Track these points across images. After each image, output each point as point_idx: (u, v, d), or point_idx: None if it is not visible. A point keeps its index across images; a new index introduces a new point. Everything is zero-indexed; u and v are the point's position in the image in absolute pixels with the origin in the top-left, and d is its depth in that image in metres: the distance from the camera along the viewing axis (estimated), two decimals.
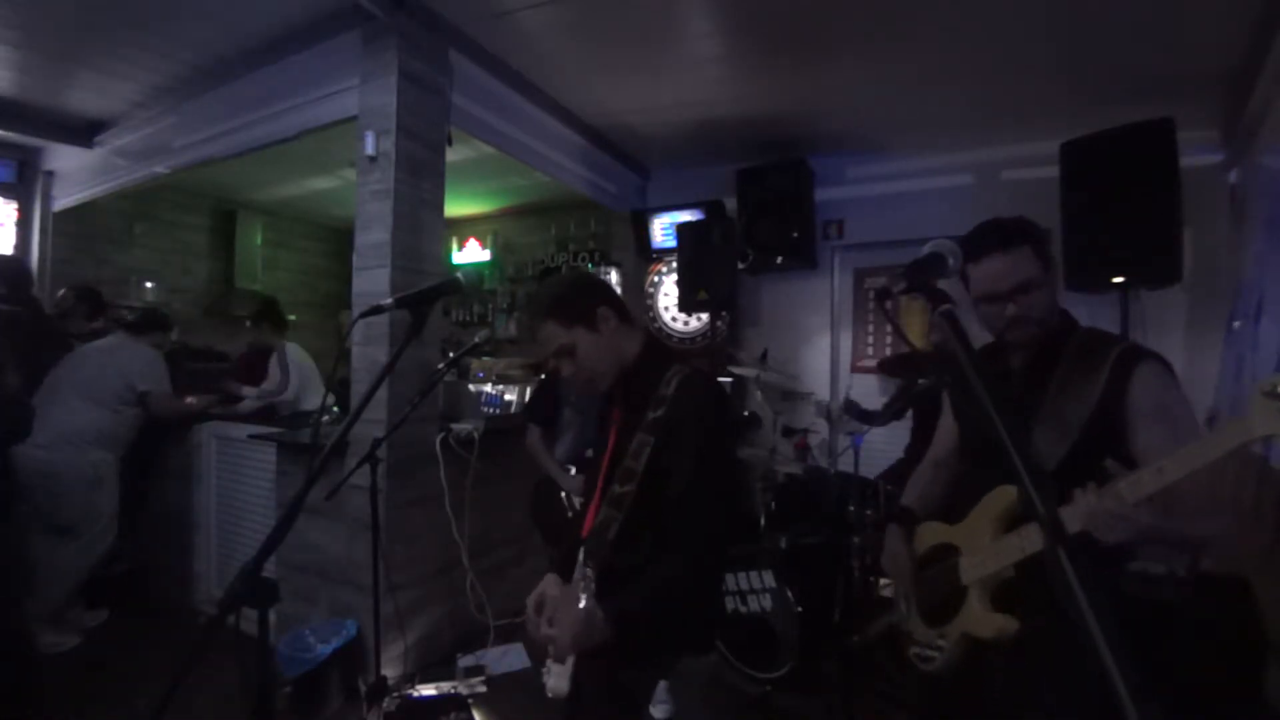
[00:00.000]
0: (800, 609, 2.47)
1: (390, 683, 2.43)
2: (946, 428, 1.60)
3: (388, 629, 2.40)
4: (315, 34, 2.84)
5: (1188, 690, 1.75)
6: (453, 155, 2.96)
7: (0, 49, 3.06)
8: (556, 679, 1.21)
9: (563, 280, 1.45)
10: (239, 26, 2.87)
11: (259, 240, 6.05)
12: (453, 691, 2.49)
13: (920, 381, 2.83)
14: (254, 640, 0.97)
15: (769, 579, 2.58)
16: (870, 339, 4.18)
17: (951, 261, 1.01)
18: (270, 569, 2.74)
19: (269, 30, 2.88)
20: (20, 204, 4.52)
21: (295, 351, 4.05)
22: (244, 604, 0.87)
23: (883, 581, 2.72)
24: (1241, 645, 1.80)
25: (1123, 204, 2.75)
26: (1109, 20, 2.59)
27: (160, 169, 3.74)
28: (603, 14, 2.69)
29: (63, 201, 4.51)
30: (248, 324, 4.25)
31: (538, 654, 1.29)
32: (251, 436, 3.03)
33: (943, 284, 0.95)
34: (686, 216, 4.30)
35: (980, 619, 1.25)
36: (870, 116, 3.66)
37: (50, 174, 4.53)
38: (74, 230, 4.70)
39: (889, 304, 1.11)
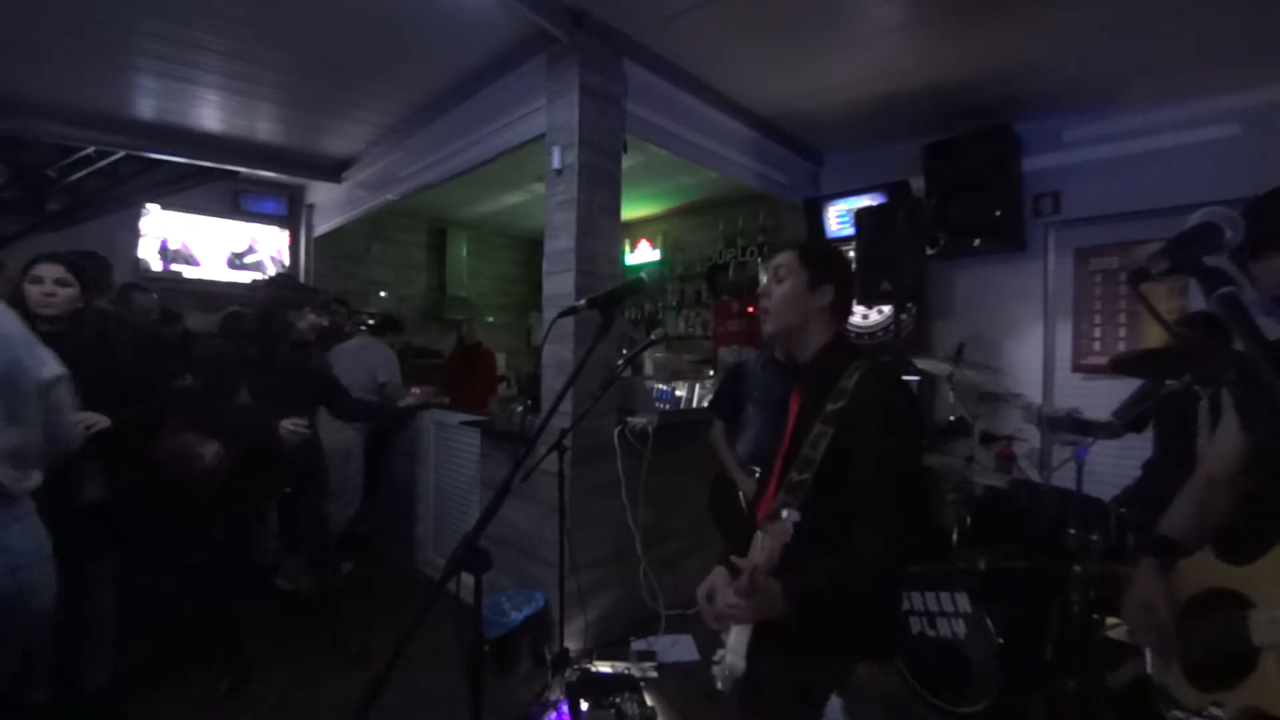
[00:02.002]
0: (1001, 641, 2.18)
1: (571, 655, 2.62)
2: (1228, 439, 1.26)
3: (571, 604, 2.59)
4: (508, 62, 3.14)
5: None
6: (625, 161, 3.09)
7: (271, 107, 3.84)
8: (733, 656, 1.22)
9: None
10: (449, 63, 3.27)
11: (464, 252, 6.91)
12: (627, 672, 2.61)
13: (1169, 383, 2.34)
14: (466, 603, 1.10)
15: (964, 602, 2.31)
16: (1098, 332, 3.52)
17: (1230, 234, 0.81)
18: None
19: (472, 64, 3.25)
20: (291, 232, 5.67)
21: None
22: (464, 569, 0.99)
23: (1110, 621, 2.30)
24: None
25: None
26: None
27: (391, 196, 4.42)
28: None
29: (320, 228, 5.57)
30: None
31: (709, 642, 1.30)
32: (462, 423, 3.47)
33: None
34: (865, 201, 4.00)
35: (1278, 694, 0.99)
36: (1093, 65, 3.06)
37: (311, 206, 5.63)
38: (328, 251, 5.78)
39: (1140, 290, 0.89)
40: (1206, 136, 3.16)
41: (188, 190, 5.02)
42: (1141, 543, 1.32)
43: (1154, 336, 3.19)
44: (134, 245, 4.88)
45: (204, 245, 5.26)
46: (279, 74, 3.39)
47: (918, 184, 3.80)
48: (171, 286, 4.89)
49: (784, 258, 1.36)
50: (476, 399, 3.99)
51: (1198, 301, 2.80)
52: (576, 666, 2.59)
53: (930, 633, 2.39)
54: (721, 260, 5.99)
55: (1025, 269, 3.73)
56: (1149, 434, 2.71)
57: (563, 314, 1.23)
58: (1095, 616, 2.29)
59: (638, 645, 2.82)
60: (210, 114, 3.90)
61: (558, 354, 2.86)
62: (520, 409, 2.99)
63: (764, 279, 1.41)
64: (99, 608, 2.32)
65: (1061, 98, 3.41)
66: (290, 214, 5.67)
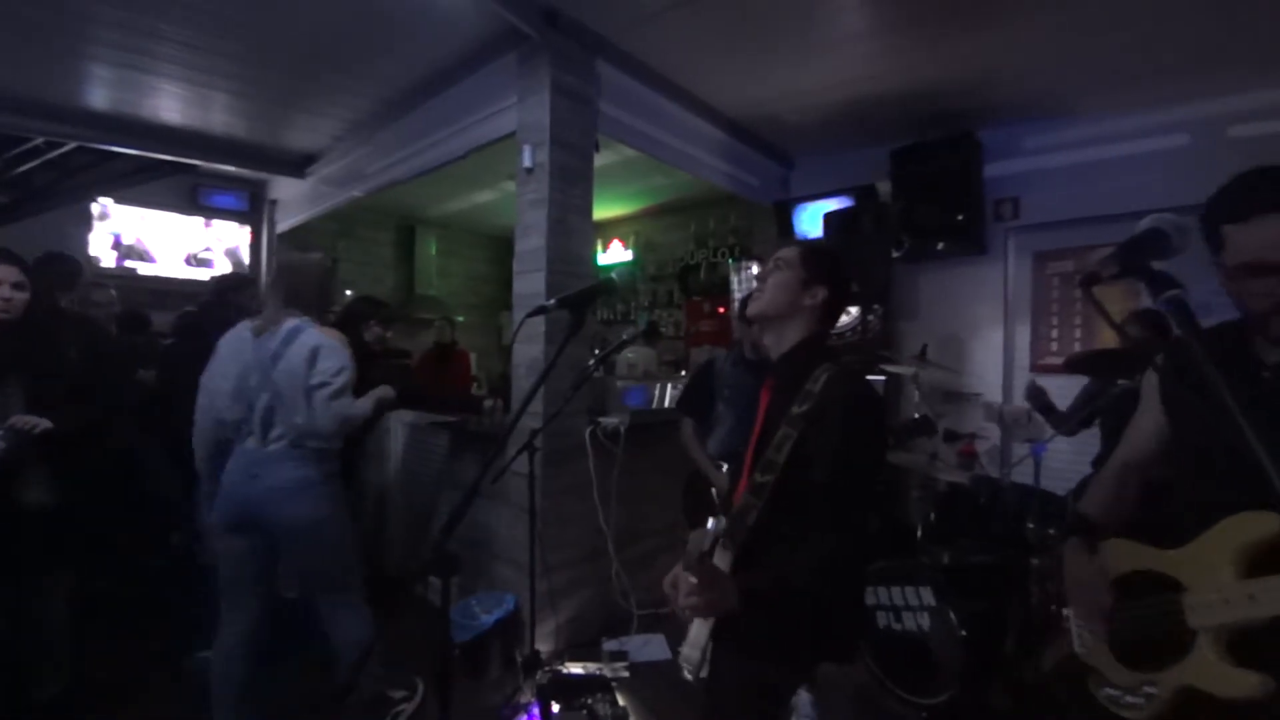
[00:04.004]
0: (964, 633, 2.24)
1: (543, 657, 2.60)
2: (1147, 427, 1.30)
3: (542, 606, 2.57)
4: (479, 60, 3.11)
5: None
6: (598, 161, 3.08)
7: (232, 99, 3.73)
8: (689, 649, 1.24)
9: (836, 250, 1.53)
10: (418, 57, 3.22)
11: (433, 251, 6.81)
12: (598, 673, 2.60)
13: (1120, 383, 2.44)
14: (435, 606, 1.08)
15: (928, 596, 2.37)
16: (1055, 333, 3.66)
17: (1176, 239, 0.85)
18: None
19: (441, 60, 3.21)
20: (253, 228, 5.50)
21: None
22: (431, 573, 0.98)
23: (1067, 612, 2.38)
24: None
25: None
26: None
27: (357, 193, 4.33)
28: (743, 2, 2.63)
29: (284, 225, 5.42)
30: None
31: (681, 641, 1.31)
32: (432, 424, 3.41)
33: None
34: (834, 204, 4.08)
35: (1215, 674, 1.03)
36: (1052, 75, 3.18)
37: (274, 202, 5.48)
38: (293, 248, 5.61)
39: (1091, 292, 0.93)
40: (1158, 146, 3.29)
41: (143, 184, 4.83)
42: (1067, 525, 1.35)
43: (1108, 338, 3.32)
44: (85, 240, 4.69)
45: (160, 241, 5.08)
46: (240, 65, 3.29)
47: (884, 188, 3.89)
48: (125, 283, 4.70)
49: (786, 252, 1.39)
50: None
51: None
52: (548, 668, 2.57)
53: (896, 626, 2.44)
54: (693, 261, 6.03)
55: (986, 272, 3.84)
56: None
57: (532, 314, 1.22)
58: (1053, 608, 2.37)
59: (610, 645, 2.82)
60: (167, 105, 3.76)
61: (528, 354, 2.83)
62: (490, 409, 2.97)
63: (733, 278, 1.43)
64: (50, 619, 2.22)
65: (1022, 106, 3.52)
66: (252, 210, 5.52)
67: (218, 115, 3.95)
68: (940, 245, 3.71)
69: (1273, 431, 0.64)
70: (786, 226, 4.46)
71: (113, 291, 3.65)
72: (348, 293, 6.03)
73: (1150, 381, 1.29)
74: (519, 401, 2.78)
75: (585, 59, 2.94)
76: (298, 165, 4.82)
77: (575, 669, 2.64)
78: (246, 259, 5.49)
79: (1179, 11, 2.55)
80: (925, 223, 3.68)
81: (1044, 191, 3.63)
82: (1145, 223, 0.86)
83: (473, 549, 3.02)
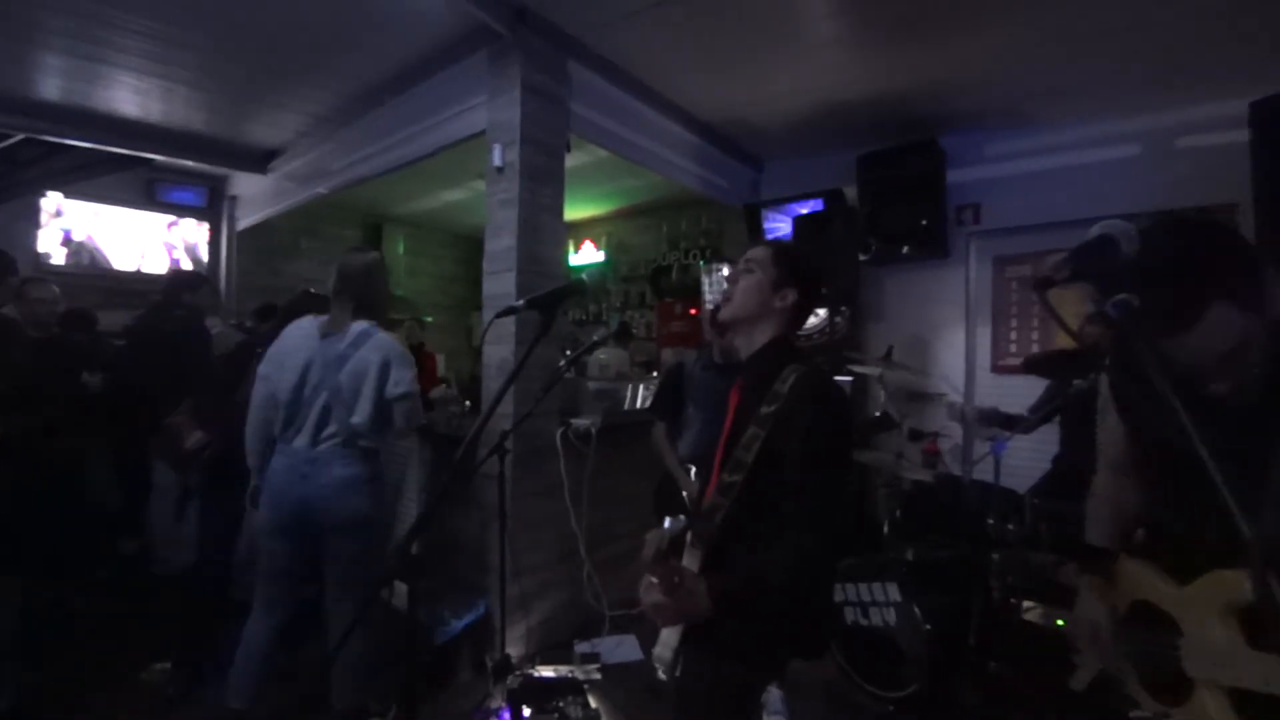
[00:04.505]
0: (929, 627, 2.30)
1: (513, 661, 2.58)
2: (1115, 428, 1.29)
3: (513, 610, 2.55)
4: (449, 57, 3.07)
5: None
6: (569, 161, 3.07)
7: (192, 91, 3.60)
8: (661, 648, 1.25)
9: (807, 251, 1.53)
10: (385, 53, 3.16)
11: (401, 249, 6.69)
12: (570, 675, 2.59)
13: (1076, 383, 2.53)
14: (401, 611, 1.06)
15: (893, 592, 2.42)
16: (1014, 335, 3.78)
17: (1125, 245, 0.88)
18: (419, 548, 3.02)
19: (409, 56, 3.16)
20: (211, 225, 5.33)
21: None
22: (397, 578, 0.96)
23: (1026, 605, 2.46)
24: None
25: None
26: None
27: (322, 189, 4.23)
28: (716, 7, 2.66)
29: (244, 221, 5.26)
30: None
31: (654, 642, 1.31)
32: None
33: None
34: (803, 208, 4.14)
35: None
36: (1013, 86, 3.28)
37: (234, 198, 5.31)
38: (253, 246, 5.47)
39: (1045, 295, 0.95)
40: (1112, 155, 3.43)
41: (96, 178, 4.63)
42: (1080, 556, 1.30)
43: (1064, 339, 3.44)
44: (33, 236, 4.47)
45: (113, 237, 4.88)
46: (200, 56, 3.19)
47: (852, 193, 3.96)
48: (76, 281, 4.50)
49: (757, 252, 1.39)
50: None
51: None
52: (519, 672, 2.55)
53: (863, 622, 2.49)
54: (665, 263, 6.06)
55: (949, 276, 3.95)
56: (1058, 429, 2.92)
57: (501, 314, 1.21)
58: (1013, 601, 2.45)
59: (581, 648, 2.81)
60: (123, 96, 3.61)
61: (498, 355, 2.81)
62: (455, 409, 2.93)
63: (705, 280, 1.44)
64: None
65: (983, 115, 3.63)
66: (211, 205, 5.33)
67: (176, 107, 3.82)
68: (905, 249, 3.80)
69: (1208, 429, 0.66)
70: (756, 229, 4.51)
71: (55, 289, 3.49)
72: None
73: (1105, 383, 1.31)
74: (490, 403, 2.75)
75: (557, 59, 2.92)
76: (260, 160, 4.68)
77: (546, 672, 2.62)
78: (205, 256, 5.31)
79: (1133, 28, 2.67)
80: (891, 227, 3.78)
81: (1004, 198, 3.75)
82: (1095, 229, 0.89)
83: (441, 553, 2.97)
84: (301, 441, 1.97)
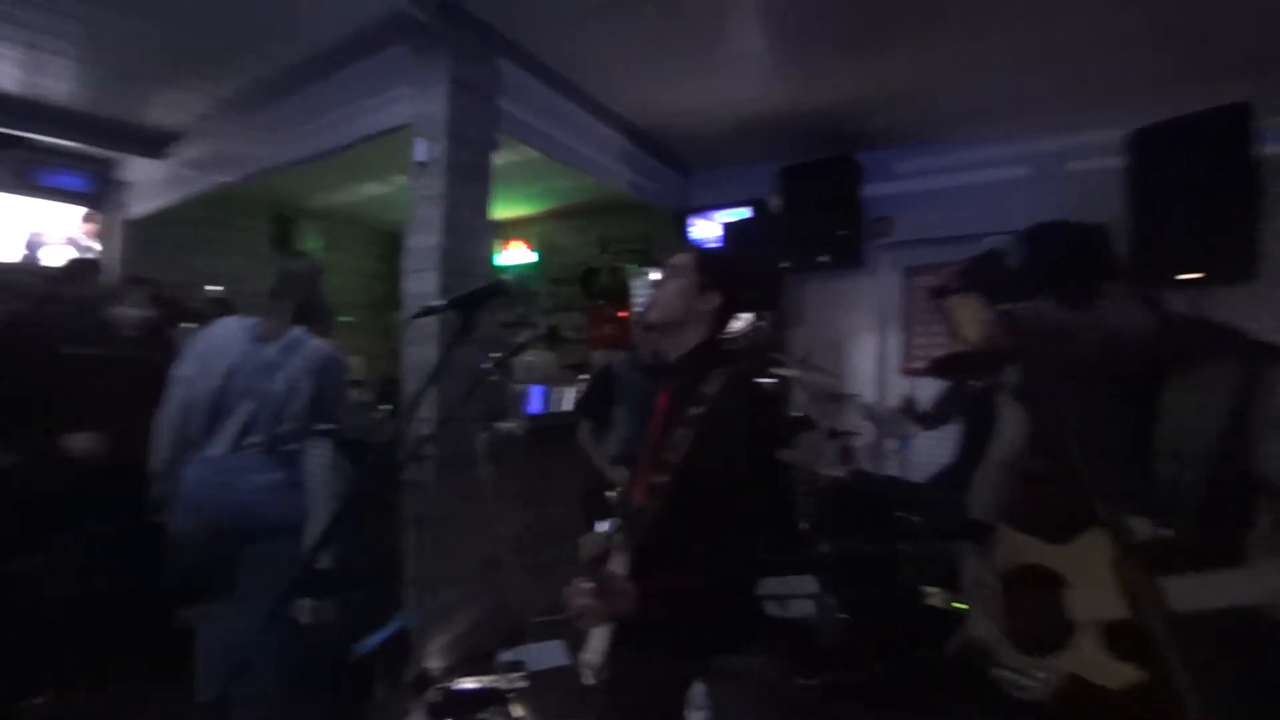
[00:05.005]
0: (844, 615, 2.42)
1: (433, 675, 2.49)
2: (1012, 426, 1.42)
3: (433, 622, 2.46)
4: (370, 45, 2.95)
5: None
6: (498, 159, 3.02)
7: (78, 65, 3.27)
8: (590, 653, 1.25)
9: (743, 260, 1.57)
10: (302, 36, 2.99)
11: (316, 245, 6.32)
12: (493, 686, 2.53)
13: (974, 385, 2.73)
14: (310, 629, 1.01)
15: (811, 584, 2.52)
16: (922, 340, 4.05)
17: (1011, 259, 0.96)
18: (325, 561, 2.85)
19: (327, 41, 3.00)
20: (99, 213, 4.84)
21: None
22: (302, 594, 0.91)
23: (930, 591, 2.63)
24: None
25: (1192, 196, 2.60)
26: None
27: (226, 178, 3.95)
28: (650, 14, 2.69)
29: (138, 210, 4.81)
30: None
31: (582, 645, 1.30)
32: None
33: None
34: (731, 215, 4.26)
35: (1096, 665, 1.12)
36: (923, 107, 3.54)
37: (125, 184, 4.85)
38: (148, 237, 5.01)
39: (943, 303, 1.05)
40: (1009, 175, 3.76)
41: None
42: (960, 529, 1.45)
43: (971, 343, 3.72)
44: None
45: None
46: (89, 26, 2.90)
47: (776, 203, 4.13)
48: None
49: (680, 258, 1.42)
50: None
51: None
52: (439, 686, 2.47)
53: (783, 614, 2.58)
54: (596, 265, 6.05)
55: (864, 284, 4.20)
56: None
57: (419, 315, 1.18)
58: (919, 588, 2.62)
59: (506, 656, 2.75)
60: None
61: (421, 357, 2.70)
62: (378, 416, 2.80)
63: (635, 284, 1.46)
64: None
65: (896, 132, 3.88)
66: (98, 192, 4.84)
67: (58, 82, 3.45)
68: (825, 259, 3.99)
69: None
70: (686, 235, 4.60)
71: None
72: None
73: (1009, 380, 1.40)
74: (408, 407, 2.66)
75: (486, 55, 2.87)
76: (156, 144, 4.31)
77: (468, 684, 2.55)
78: (97, 246, 4.82)
79: (1029, 61, 2.93)
80: (811, 237, 3.95)
81: (914, 212, 4.02)
82: (986, 244, 0.98)
83: (355, 565, 2.83)
84: (219, 449, 1.91)
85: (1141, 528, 0.96)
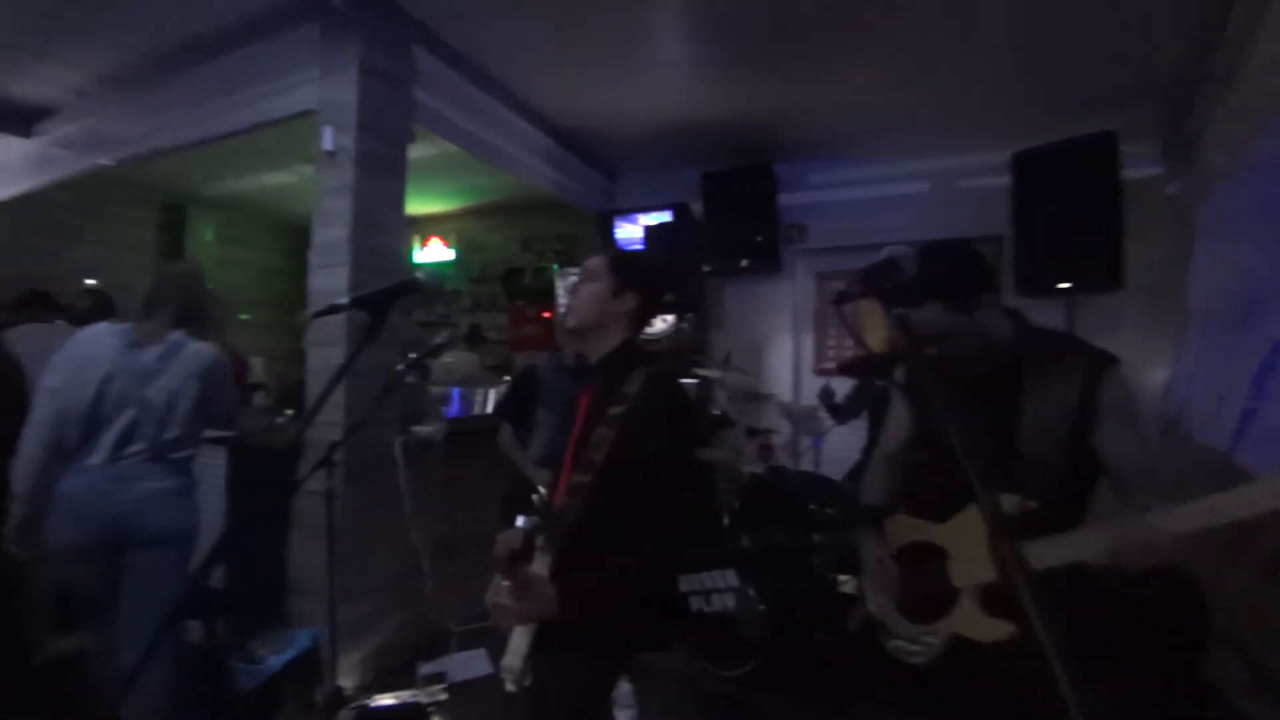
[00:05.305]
0: (764, 607, 2.50)
1: (347, 693, 2.37)
2: (896, 423, 1.59)
3: (344, 638, 2.33)
4: (273, 23, 2.76)
5: (1139, 672, 1.85)
6: (415, 152, 2.91)
7: None
8: (510, 657, 1.22)
9: (655, 258, 1.57)
10: (193, 10, 2.75)
11: (210, 237, 5.84)
12: (412, 700, 2.44)
13: (878, 383, 2.91)
14: (201, 653, 0.93)
15: (732, 578, 2.60)
16: (832, 341, 4.27)
17: (906, 267, 1.03)
18: (219, 579, 2.63)
19: (224, 18, 2.78)
20: None
21: None
22: (189, 617, 0.84)
23: (842, 579, 2.77)
24: (1183, 629, 1.89)
25: (1068, 213, 2.88)
26: (1058, 32, 2.69)
27: (105, 160, 3.57)
28: (572, 12, 2.68)
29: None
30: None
31: (501, 648, 1.28)
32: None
33: None
34: (654, 218, 4.31)
35: (975, 623, 1.27)
36: (834, 122, 3.73)
37: None
38: (13, 225, 4.45)
39: (847, 307, 1.12)
40: (910, 190, 4.04)
41: None
42: (859, 514, 1.60)
43: (874, 345, 3.96)
44: None
45: None
46: None
47: (698, 207, 4.23)
48: None
49: (593, 262, 1.42)
50: None
51: None
52: (354, 705, 2.35)
53: (707, 609, 2.64)
54: (519, 265, 5.95)
55: (780, 288, 4.39)
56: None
57: (321, 313, 1.11)
58: (832, 576, 2.75)
59: (426, 669, 2.65)
60: None
61: (327, 358, 2.55)
62: (279, 420, 2.63)
63: (559, 285, 1.45)
64: None
65: (809, 145, 4.07)
66: None
67: None
68: (744, 263, 4.13)
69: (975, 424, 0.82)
70: (609, 236, 4.61)
71: None
72: (92, 281, 4.94)
73: (897, 383, 1.57)
74: (310, 411, 2.51)
75: (401, 42, 2.75)
76: (22, 121, 3.84)
77: (386, 700, 2.44)
78: None
79: (928, 84, 3.16)
80: (731, 241, 4.08)
81: (826, 221, 4.24)
82: (883, 253, 1.05)
83: (254, 581, 2.63)
84: (98, 458, 1.82)
85: (1010, 502, 1.10)
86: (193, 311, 1.99)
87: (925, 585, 1.36)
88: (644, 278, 1.42)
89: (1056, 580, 0.99)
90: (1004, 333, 1.30)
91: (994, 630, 1.22)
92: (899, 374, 1.57)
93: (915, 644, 1.38)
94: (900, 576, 1.43)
